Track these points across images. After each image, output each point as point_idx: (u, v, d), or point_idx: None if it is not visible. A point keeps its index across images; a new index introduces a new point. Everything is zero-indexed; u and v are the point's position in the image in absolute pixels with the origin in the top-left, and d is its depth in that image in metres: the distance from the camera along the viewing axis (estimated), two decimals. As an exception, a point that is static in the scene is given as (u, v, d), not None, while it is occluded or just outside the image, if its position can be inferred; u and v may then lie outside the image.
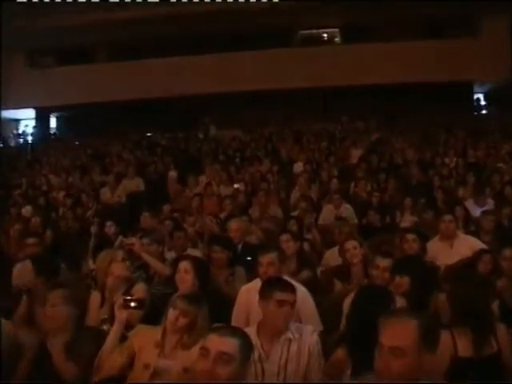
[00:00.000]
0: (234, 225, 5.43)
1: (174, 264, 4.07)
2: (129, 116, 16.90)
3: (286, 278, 3.39)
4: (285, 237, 4.66)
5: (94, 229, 6.55)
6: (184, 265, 3.73)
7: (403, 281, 3.61)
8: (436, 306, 3.51)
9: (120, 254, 4.31)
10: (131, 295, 3.27)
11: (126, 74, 16.32)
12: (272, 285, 3.01)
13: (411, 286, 3.58)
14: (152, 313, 3.36)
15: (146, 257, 4.33)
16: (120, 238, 4.40)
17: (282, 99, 16.38)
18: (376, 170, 9.76)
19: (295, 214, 7.04)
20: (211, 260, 4.40)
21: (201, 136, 14.74)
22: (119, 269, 3.79)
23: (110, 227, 6.39)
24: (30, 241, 4.94)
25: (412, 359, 1.97)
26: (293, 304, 2.94)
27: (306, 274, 4.46)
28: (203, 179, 9.63)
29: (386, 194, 8.39)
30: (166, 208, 7.89)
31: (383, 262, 3.81)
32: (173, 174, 10.76)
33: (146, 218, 6.88)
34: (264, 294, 2.98)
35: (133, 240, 4.28)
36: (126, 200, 9.54)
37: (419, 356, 1.99)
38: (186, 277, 3.67)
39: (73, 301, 3.03)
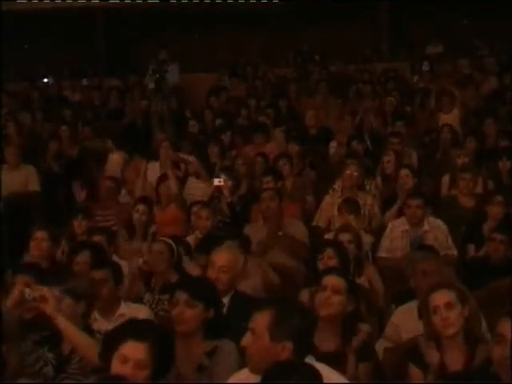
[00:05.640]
0: (218, 257, 5.45)
1: (109, 343, 3.98)
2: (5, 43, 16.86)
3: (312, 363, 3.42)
4: (332, 279, 4.74)
5: None
6: (134, 351, 3.70)
7: None
8: None
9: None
10: None
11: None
12: None
13: None
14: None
15: (64, 325, 4.40)
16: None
17: (302, 9, 16.44)
18: (494, 153, 9.78)
19: (333, 236, 7.06)
20: (170, 325, 4.42)
21: (151, 86, 14.76)
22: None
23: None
24: None
25: None
26: None
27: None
28: (155, 169, 9.70)
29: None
30: (79, 225, 7.92)
31: None
32: (115, 157, 10.82)
33: (40, 244, 6.89)
34: None
35: (43, 291, 4.34)
36: (2, 208, 9.62)
37: None
38: (137, 374, 3.67)
39: None
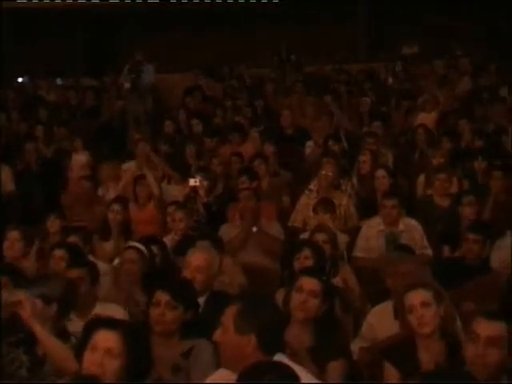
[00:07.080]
0: (194, 257, 5.47)
1: (82, 338, 3.97)
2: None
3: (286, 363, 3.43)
4: (309, 282, 4.76)
5: None
6: (105, 338, 3.70)
7: None
8: None
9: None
10: None
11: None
12: None
13: None
14: None
15: (38, 331, 4.35)
16: None
17: (279, 10, 16.43)
18: (469, 153, 9.81)
19: (308, 236, 7.06)
20: (147, 323, 4.43)
21: (127, 85, 14.70)
22: None
23: None
24: None
25: None
26: None
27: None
28: (131, 170, 9.68)
29: (487, 199, 8.36)
30: (52, 224, 7.89)
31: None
32: (80, 158, 10.82)
33: (13, 245, 6.87)
34: None
35: (20, 296, 4.31)
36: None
37: None
38: (107, 363, 3.65)
39: None
